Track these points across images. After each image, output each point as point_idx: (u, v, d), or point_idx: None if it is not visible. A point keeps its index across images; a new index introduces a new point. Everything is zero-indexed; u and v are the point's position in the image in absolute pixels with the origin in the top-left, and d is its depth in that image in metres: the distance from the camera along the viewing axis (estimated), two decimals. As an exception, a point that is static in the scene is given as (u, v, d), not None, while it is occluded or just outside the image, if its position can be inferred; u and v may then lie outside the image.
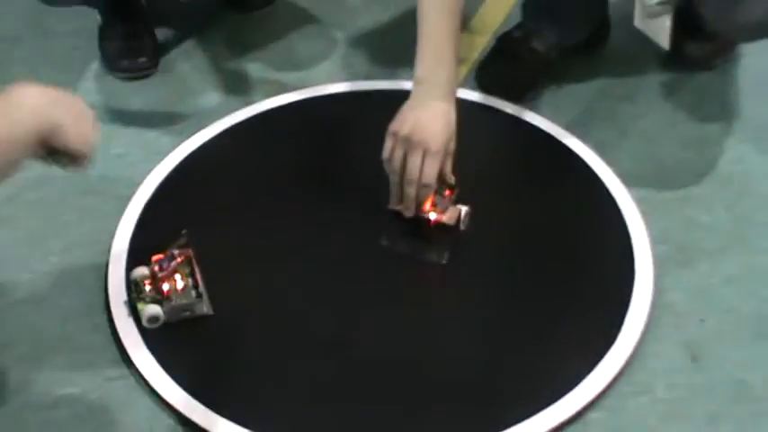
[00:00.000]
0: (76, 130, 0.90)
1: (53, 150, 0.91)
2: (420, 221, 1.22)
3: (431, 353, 1.13)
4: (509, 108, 1.46)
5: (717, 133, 1.43)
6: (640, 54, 1.55)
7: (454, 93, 1.20)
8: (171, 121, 1.46)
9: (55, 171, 1.36)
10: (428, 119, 1.16)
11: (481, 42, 1.59)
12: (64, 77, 1.54)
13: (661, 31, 1.43)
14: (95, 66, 1.57)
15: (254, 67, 1.56)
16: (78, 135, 0.90)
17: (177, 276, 1.15)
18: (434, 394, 1.08)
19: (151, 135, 1.44)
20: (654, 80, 1.53)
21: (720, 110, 1.48)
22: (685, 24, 1.44)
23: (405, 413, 1.07)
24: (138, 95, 1.52)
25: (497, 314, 1.17)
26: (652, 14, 1.36)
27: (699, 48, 1.52)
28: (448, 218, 1.22)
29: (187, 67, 1.57)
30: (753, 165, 1.38)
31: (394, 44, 1.59)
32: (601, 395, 1.08)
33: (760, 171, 1.37)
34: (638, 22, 1.43)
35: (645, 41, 1.39)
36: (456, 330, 1.15)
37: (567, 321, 1.16)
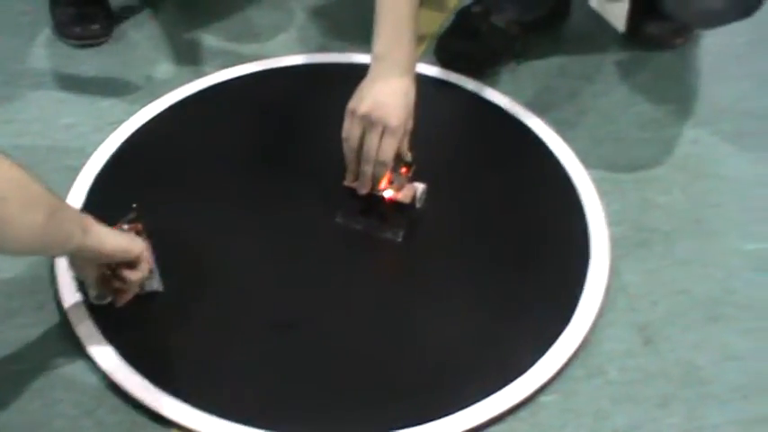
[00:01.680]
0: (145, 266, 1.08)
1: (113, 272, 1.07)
2: (376, 199, 1.20)
3: (382, 333, 1.12)
4: (468, 84, 1.45)
5: (674, 114, 1.43)
6: (600, 33, 1.55)
7: (413, 69, 1.18)
8: (123, 90, 1.43)
9: (1, 140, 1.34)
10: (387, 96, 1.14)
11: (440, 18, 1.57)
12: (13, 42, 1.51)
13: (617, 13, 1.43)
14: (46, 31, 1.53)
15: (208, 38, 1.54)
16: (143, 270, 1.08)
17: (126, 252, 1.13)
18: (385, 376, 1.08)
19: (103, 105, 1.41)
20: (613, 59, 1.52)
21: (679, 90, 1.48)
22: (645, 4, 1.44)
23: (354, 393, 1.06)
24: (89, 64, 1.48)
25: (450, 295, 1.16)
26: None
27: (658, 27, 1.52)
28: (404, 196, 1.20)
29: (140, 35, 1.54)
30: (709, 146, 1.38)
31: (351, 17, 1.57)
32: (553, 378, 1.07)
33: (716, 153, 1.37)
34: (595, 2, 1.43)
35: (605, 20, 1.38)
36: (408, 310, 1.14)
37: (521, 303, 1.15)
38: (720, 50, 1.55)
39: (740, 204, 1.30)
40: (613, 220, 1.25)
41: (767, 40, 1.57)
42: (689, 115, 1.43)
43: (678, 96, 1.46)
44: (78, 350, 1.09)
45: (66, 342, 1.10)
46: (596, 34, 1.55)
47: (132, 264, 1.07)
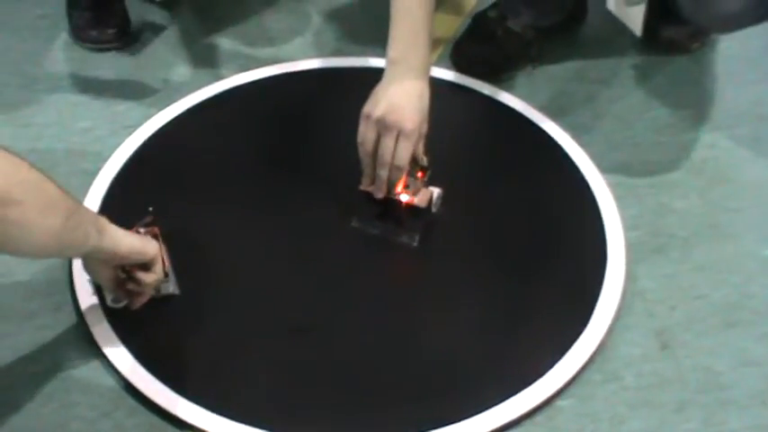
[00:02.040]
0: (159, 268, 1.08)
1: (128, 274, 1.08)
2: (392, 203, 1.20)
3: (398, 336, 1.12)
4: (484, 89, 1.45)
5: (691, 118, 1.43)
6: (617, 37, 1.55)
7: (428, 73, 1.18)
8: (140, 94, 1.44)
9: (17, 144, 1.34)
10: (402, 100, 1.14)
11: (457, 22, 1.57)
12: (30, 45, 1.51)
13: (634, 16, 1.42)
14: (63, 35, 1.54)
15: (225, 42, 1.54)
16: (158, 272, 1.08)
17: (143, 255, 1.14)
18: (401, 379, 1.07)
19: (119, 108, 1.41)
20: (630, 64, 1.52)
21: (695, 95, 1.47)
22: (662, 8, 1.44)
23: (371, 397, 1.06)
24: (106, 67, 1.49)
25: (467, 299, 1.16)
26: (629, 3, 1.35)
27: (675, 31, 1.51)
28: (420, 200, 1.20)
29: (157, 39, 1.54)
30: (726, 151, 1.38)
31: (367, 21, 1.57)
32: (570, 382, 1.07)
33: (733, 157, 1.37)
34: (612, 5, 1.43)
35: (622, 24, 1.38)
36: (424, 314, 1.14)
37: (538, 307, 1.15)
38: (737, 54, 1.54)
39: (758, 209, 1.29)
40: (630, 225, 1.25)
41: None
42: (705, 120, 1.42)
43: (695, 101, 1.46)
44: (95, 352, 1.09)
45: (83, 344, 1.10)
46: (613, 38, 1.55)
47: (147, 266, 1.07)
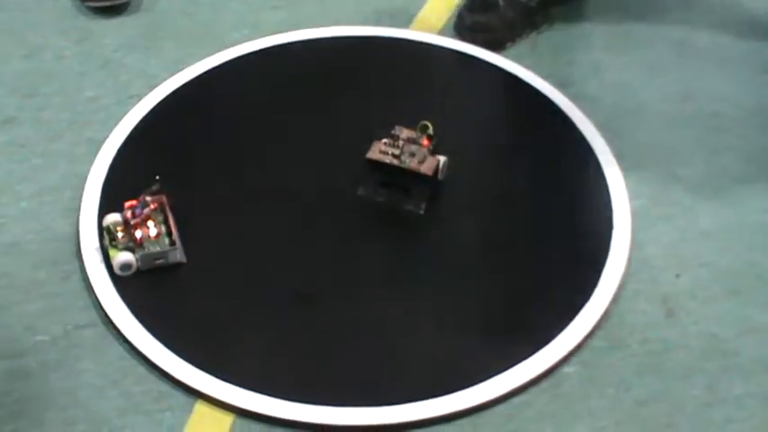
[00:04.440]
0: None
1: None
2: (398, 171, 1.20)
3: (403, 306, 1.12)
4: (489, 57, 1.44)
5: (697, 87, 1.42)
6: (623, 4, 1.54)
7: None
8: (145, 63, 1.43)
9: (24, 114, 1.35)
10: None
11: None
12: (34, 16, 1.51)
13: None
14: (67, 5, 1.53)
15: (233, 9, 1.53)
16: None
17: (150, 223, 1.14)
18: (406, 347, 1.08)
19: (124, 78, 1.41)
20: (636, 31, 1.51)
21: (702, 62, 1.46)
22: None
23: (376, 364, 1.06)
24: (111, 36, 1.48)
25: (473, 266, 1.16)
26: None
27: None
28: (426, 168, 1.20)
29: (163, 6, 1.54)
30: (731, 120, 1.37)
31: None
32: (576, 349, 1.08)
33: (738, 126, 1.36)
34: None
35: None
36: (431, 283, 1.14)
37: (544, 275, 1.15)
38: (742, 24, 1.53)
39: (763, 176, 1.29)
40: (635, 193, 1.25)
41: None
42: (711, 89, 1.42)
43: (700, 70, 1.45)
44: (103, 320, 1.10)
45: (91, 313, 1.11)
46: (619, 5, 1.54)
47: None
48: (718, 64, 1.46)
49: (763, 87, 1.42)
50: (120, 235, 1.13)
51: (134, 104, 1.35)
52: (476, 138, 1.31)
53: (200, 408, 1.03)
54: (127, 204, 1.15)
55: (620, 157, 1.29)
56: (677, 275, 1.17)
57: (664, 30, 1.52)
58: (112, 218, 1.15)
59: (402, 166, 1.20)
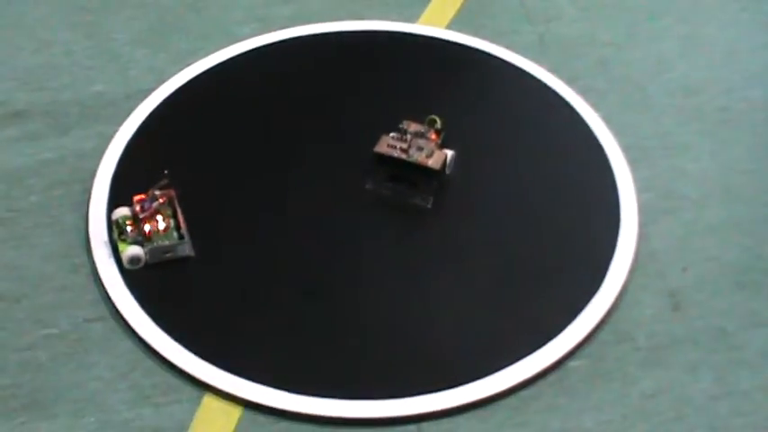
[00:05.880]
0: None
1: None
2: (405, 165, 1.21)
3: (411, 299, 1.12)
4: (496, 51, 1.44)
5: (704, 81, 1.42)
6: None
7: None
8: (154, 58, 1.44)
9: (35, 107, 1.35)
10: None
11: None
12: (43, 10, 1.51)
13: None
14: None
15: (243, 2, 1.54)
16: None
17: (159, 217, 1.14)
18: (414, 341, 1.09)
19: (133, 73, 1.42)
20: (643, 25, 1.51)
21: (708, 58, 1.46)
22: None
23: (383, 358, 1.07)
24: (121, 30, 1.49)
25: (480, 261, 1.17)
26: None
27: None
28: (433, 162, 1.21)
29: (172, 0, 1.54)
30: (739, 113, 1.37)
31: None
32: (582, 343, 1.08)
33: (746, 120, 1.36)
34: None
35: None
36: (438, 276, 1.15)
37: (551, 269, 1.16)
38: (749, 19, 1.53)
39: (770, 171, 1.30)
40: (642, 187, 1.25)
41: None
42: (719, 82, 1.42)
43: (708, 64, 1.45)
44: (113, 314, 1.11)
45: (100, 306, 1.12)
46: (625, 1, 1.54)
47: None
48: (725, 58, 1.46)
49: (770, 81, 1.43)
50: (129, 229, 1.14)
51: (143, 99, 1.35)
52: (483, 132, 1.32)
53: (209, 400, 1.04)
54: (136, 198, 1.15)
55: (627, 150, 1.30)
56: (684, 269, 1.17)
57: (671, 24, 1.52)
58: (121, 212, 1.16)
59: (410, 159, 1.20)
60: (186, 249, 1.14)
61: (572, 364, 1.07)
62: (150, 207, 1.14)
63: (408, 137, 1.22)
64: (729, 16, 1.54)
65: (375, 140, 1.22)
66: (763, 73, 1.44)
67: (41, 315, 1.11)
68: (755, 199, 1.26)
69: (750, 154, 1.32)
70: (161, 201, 1.15)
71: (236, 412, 1.04)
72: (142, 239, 1.13)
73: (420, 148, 1.21)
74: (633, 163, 1.28)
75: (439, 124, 1.22)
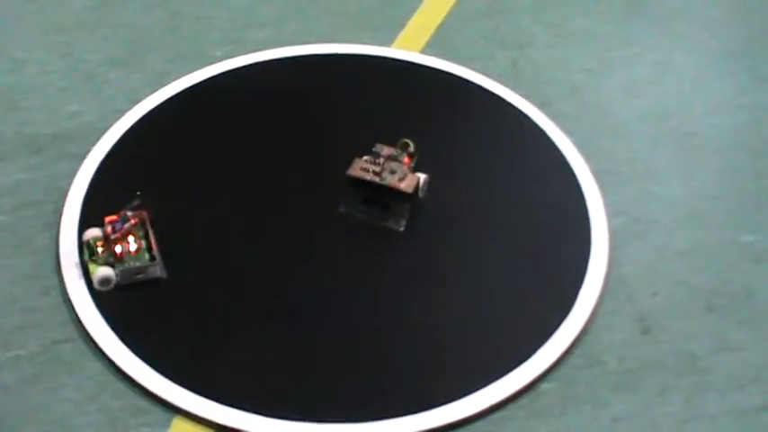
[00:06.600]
0: None
1: None
2: (378, 189, 1.21)
3: (383, 322, 1.13)
4: (469, 76, 1.45)
5: (674, 108, 1.44)
6: (601, 26, 1.56)
7: None
8: (128, 79, 1.44)
9: (6, 128, 1.35)
10: None
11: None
12: (17, 30, 1.51)
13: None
14: (52, 19, 1.54)
15: (216, 25, 1.54)
16: None
17: (131, 238, 1.14)
18: (384, 364, 1.08)
19: (108, 93, 1.42)
20: (615, 52, 1.53)
21: (679, 84, 1.48)
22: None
23: (354, 383, 1.07)
24: (95, 51, 1.49)
25: (451, 284, 1.17)
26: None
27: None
28: (406, 185, 1.21)
29: (146, 22, 1.55)
30: (708, 139, 1.39)
31: (361, 6, 1.57)
32: (553, 366, 1.09)
33: (714, 146, 1.38)
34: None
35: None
36: (409, 299, 1.15)
37: (522, 292, 1.16)
38: (717, 47, 1.55)
39: (737, 197, 1.31)
40: (613, 212, 1.26)
41: (763, 37, 1.58)
42: (688, 109, 1.44)
43: (677, 91, 1.47)
44: (82, 336, 1.10)
45: (69, 327, 1.11)
46: (599, 26, 1.56)
47: None
48: (694, 85, 1.48)
49: (738, 108, 1.44)
50: (99, 250, 1.14)
51: (117, 120, 1.35)
52: (456, 156, 1.32)
53: (179, 423, 1.03)
54: (107, 219, 1.15)
55: (598, 175, 1.31)
56: (654, 294, 1.18)
57: (641, 51, 1.53)
58: (92, 233, 1.15)
59: (382, 183, 1.21)
60: (158, 271, 1.14)
61: (543, 386, 1.08)
62: (122, 228, 1.14)
63: (381, 160, 1.22)
64: (698, 45, 1.56)
65: (348, 163, 1.22)
66: (731, 100, 1.46)
67: (9, 337, 1.10)
68: (724, 224, 1.27)
69: (718, 179, 1.33)
70: (133, 222, 1.15)
71: (206, 435, 1.03)
72: (113, 260, 1.13)
73: (393, 172, 1.21)
74: (604, 187, 1.29)
75: (412, 148, 1.23)
